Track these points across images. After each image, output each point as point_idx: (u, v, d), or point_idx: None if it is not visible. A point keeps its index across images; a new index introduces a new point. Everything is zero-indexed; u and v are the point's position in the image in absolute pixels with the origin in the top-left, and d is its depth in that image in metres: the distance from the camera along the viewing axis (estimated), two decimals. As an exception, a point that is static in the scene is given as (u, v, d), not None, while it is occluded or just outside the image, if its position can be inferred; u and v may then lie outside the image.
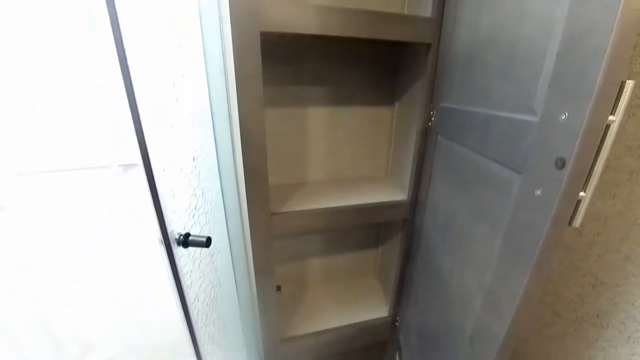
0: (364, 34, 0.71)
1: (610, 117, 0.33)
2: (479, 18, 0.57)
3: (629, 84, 0.32)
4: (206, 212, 0.70)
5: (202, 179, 0.68)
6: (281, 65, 0.89)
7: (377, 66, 0.96)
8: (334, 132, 1.01)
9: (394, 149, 1.05)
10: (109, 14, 0.44)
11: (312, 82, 0.94)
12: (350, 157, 1.07)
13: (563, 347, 0.67)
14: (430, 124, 0.80)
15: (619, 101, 0.32)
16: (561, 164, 0.32)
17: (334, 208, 0.85)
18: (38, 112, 0.89)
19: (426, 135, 0.82)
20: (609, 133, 0.33)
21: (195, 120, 0.68)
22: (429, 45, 0.77)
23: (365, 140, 1.05)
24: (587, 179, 0.35)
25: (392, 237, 1.08)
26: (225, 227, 0.88)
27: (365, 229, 1.19)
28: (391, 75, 0.98)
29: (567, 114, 0.33)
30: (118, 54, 0.45)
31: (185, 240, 0.51)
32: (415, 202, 0.89)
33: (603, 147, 0.33)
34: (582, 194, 0.35)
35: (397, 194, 0.93)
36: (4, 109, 0.87)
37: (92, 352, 1.18)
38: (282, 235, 0.83)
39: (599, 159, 0.34)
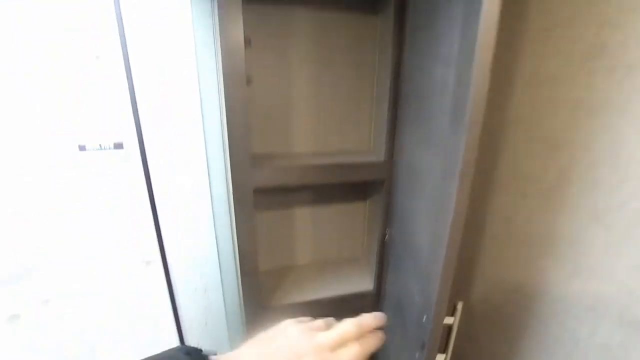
0: (335, 180, 0.96)
1: (450, 319, 0.56)
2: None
3: (460, 304, 0.55)
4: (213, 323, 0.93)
5: (212, 309, 0.91)
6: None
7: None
8: (318, 225, 1.25)
9: (367, 236, 1.29)
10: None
11: (297, 189, 1.19)
12: (332, 242, 1.30)
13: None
14: (385, 239, 1.03)
15: (455, 313, 0.56)
16: (422, 345, 0.55)
17: (316, 300, 1.08)
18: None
19: (384, 247, 1.05)
20: (452, 328, 0.56)
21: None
22: (383, 181, 1.01)
23: (344, 226, 1.29)
24: (446, 346, 0.58)
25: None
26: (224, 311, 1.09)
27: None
28: (362, 184, 1.23)
29: (425, 316, 0.56)
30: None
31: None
32: (378, 293, 1.12)
33: (451, 334, 0.56)
34: (441, 356, 0.58)
35: (365, 283, 1.16)
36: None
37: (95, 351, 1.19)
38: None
39: (450, 339, 0.57)
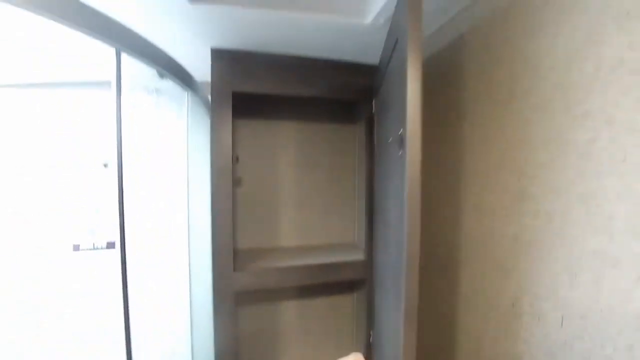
0: (316, 281, 0.97)
1: None
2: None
3: None
4: None
5: None
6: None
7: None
8: (305, 320, 1.21)
9: (356, 333, 1.24)
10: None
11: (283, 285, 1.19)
12: (321, 340, 1.23)
13: None
14: (370, 340, 1.00)
15: None
16: None
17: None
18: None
19: (370, 348, 1.01)
20: None
21: None
22: (364, 280, 1.03)
23: (333, 322, 1.23)
24: None
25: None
26: None
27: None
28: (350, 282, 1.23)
29: None
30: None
31: None
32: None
33: None
34: None
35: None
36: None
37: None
38: None
39: None
